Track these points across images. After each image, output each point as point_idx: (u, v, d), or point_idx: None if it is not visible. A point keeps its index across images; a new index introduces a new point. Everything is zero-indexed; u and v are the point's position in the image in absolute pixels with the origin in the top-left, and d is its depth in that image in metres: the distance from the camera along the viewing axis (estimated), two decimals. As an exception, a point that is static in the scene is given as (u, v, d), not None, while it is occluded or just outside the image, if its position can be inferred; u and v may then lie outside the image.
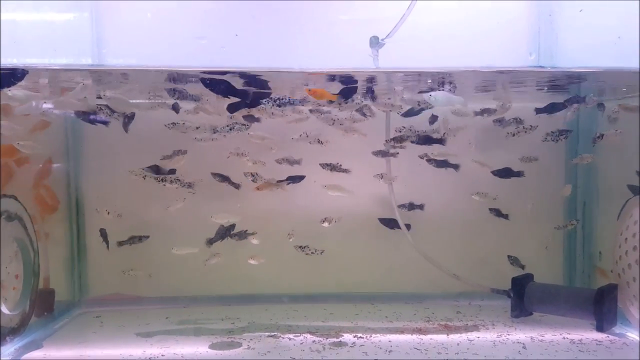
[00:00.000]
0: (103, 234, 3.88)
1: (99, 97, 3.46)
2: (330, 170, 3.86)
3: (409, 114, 3.82)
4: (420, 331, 3.55)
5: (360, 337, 3.45)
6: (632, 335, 3.49)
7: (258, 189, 3.80)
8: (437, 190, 4.18)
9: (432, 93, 3.36)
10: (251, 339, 3.41)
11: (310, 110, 3.65)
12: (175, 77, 3.27)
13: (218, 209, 3.93)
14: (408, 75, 3.37)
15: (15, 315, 3.29)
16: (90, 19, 3.65)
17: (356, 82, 3.43)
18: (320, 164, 3.85)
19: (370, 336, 3.46)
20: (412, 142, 3.85)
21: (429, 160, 3.89)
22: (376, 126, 3.91)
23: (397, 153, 3.92)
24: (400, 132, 3.83)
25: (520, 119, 3.81)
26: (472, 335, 3.49)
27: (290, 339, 3.42)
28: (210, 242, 3.89)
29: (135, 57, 3.47)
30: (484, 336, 3.48)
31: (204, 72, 3.20)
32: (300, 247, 3.91)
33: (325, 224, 3.84)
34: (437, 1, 3.59)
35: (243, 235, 3.90)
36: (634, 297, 3.49)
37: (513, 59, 3.78)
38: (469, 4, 3.64)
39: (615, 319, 3.57)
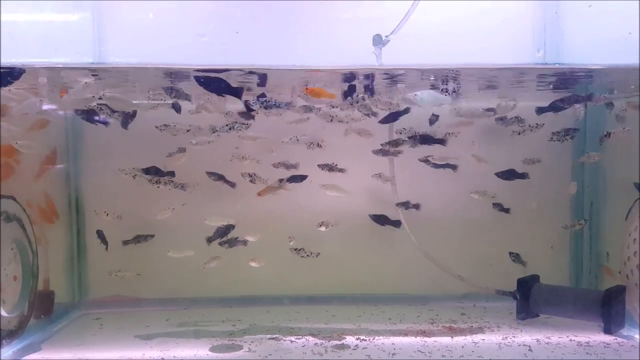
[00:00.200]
0: (100, 235, 3.84)
1: (99, 98, 3.43)
2: (329, 170, 3.82)
3: (388, 119, 3.75)
4: (424, 333, 3.50)
5: (363, 339, 3.40)
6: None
7: (260, 194, 3.77)
8: (441, 190, 4.13)
9: (418, 92, 3.33)
10: (252, 342, 3.36)
11: (310, 109, 3.60)
12: (173, 76, 3.23)
13: (217, 211, 3.90)
14: (410, 72, 3.32)
15: (13, 318, 3.25)
16: (91, 19, 3.64)
17: (355, 78, 3.38)
18: (318, 165, 3.81)
19: (373, 338, 3.41)
20: (411, 146, 3.82)
21: (428, 162, 3.86)
22: (378, 125, 3.85)
23: (401, 152, 3.87)
24: (401, 133, 3.79)
25: (521, 117, 3.76)
26: (477, 337, 3.43)
27: (291, 341, 3.37)
28: (210, 240, 3.84)
29: (136, 56, 3.45)
30: (489, 338, 3.42)
31: (205, 70, 3.16)
32: (295, 249, 3.87)
33: (323, 228, 3.80)
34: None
35: (233, 242, 3.85)
36: (642, 299, 3.43)
37: (519, 57, 3.74)
38: (475, 2, 3.60)
39: (623, 320, 3.51)
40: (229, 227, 3.85)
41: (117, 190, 3.96)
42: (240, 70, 3.11)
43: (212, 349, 3.25)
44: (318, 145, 3.73)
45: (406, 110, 3.70)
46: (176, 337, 3.47)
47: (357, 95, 3.51)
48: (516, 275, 3.83)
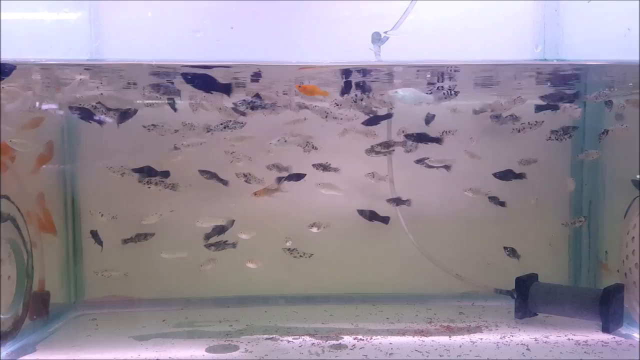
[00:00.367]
0: (95, 235, 3.82)
1: (99, 98, 3.41)
2: (323, 170, 3.80)
3: (370, 122, 3.74)
4: (421, 333, 3.48)
5: (361, 339, 3.38)
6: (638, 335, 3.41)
7: (256, 194, 3.75)
8: (439, 188, 4.11)
9: (399, 90, 3.31)
10: (249, 342, 3.34)
11: (305, 106, 3.58)
12: (161, 72, 3.20)
13: (214, 210, 3.88)
14: (407, 70, 3.30)
15: (7, 319, 3.22)
16: (88, 17, 3.61)
17: (351, 74, 3.36)
18: (313, 165, 3.80)
19: (371, 338, 3.39)
20: (406, 151, 3.81)
21: (420, 162, 3.86)
22: (380, 126, 3.85)
23: (392, 152, 3.84)
24: (403, 132, 3.78)
25: (516, 115, 3.74)
26: (475, 336, 3.41)
27: (288, 341, 3.35)
28: (208, 237, 3.81)
29: (131, 52, 3.43)
30: (487, 338, 3.40)
31: (201, 67, 3.13)
32: (288, 249, 3.84)
33: (314, 229, 3.77)
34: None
35: (221, 245, 3.83)
36: (641, 297, 3.41)
37: (518, 53, 3.72)
38: (473, 1, 3.59)
39: (621, 319, 3.49)
40: (228, 224, 3.82)
41: (113, 190, 3.92)
42: (229, 66, 3.09)
43: (209, 350, 3.23)
44: (313, 147, 3.71)
45: (388, 115, 3.68)
46: (172, 337, 3.44)
47: (358, 94, 3.49)
48: (515, 274, 3.81)
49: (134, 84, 3.55)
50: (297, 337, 3.41)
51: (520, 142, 3.94)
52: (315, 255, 3.97)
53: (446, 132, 3.77)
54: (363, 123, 3.72)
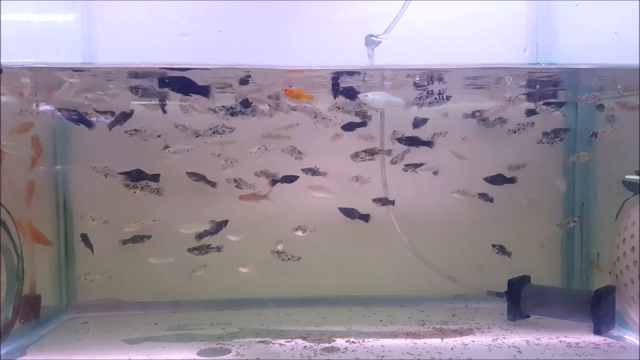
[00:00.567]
0: (85, 239, 3.80)
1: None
2: (312, 174, 3.80)
3: (346, 127, 3.74)
4: (414, 335, 3.48)
5: (353, 342, 3.37)
6: (631, 338, 3.42)
7: (242, 198, 3.75)
8: (432, 190, 4.11)
9: (369, 93, 3.30)
10: (241, 345, 3.33)
11: (294, 108, 3.59)
12: (139, 75, 3.19)
13: (210, 212, 3.86)
14: (398, 73, 3.30)
15: (-3, 322, 3.21)
16: (81, 20, 3.60)
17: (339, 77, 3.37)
18: (302, 169, 3.80)
19: (363, 341, 3.38)
20: (392, 162, 3.81)
21: (409, 166, 3.87)
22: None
23: (373, 159, 3.85)
24: (396, 135, 3.80)
25: (503, 118, 3.76)
26: (467, 339, 3.42)
27: (280, 344, 3.34)
28: (200, 236, 3.80)
29: (121, 56, 3.42)
30: (479, 340, 3.40)
31: (190, 69, 3.13)
32: (276, 252, 3.84)
33: (299, 233, 3.77)
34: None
35: (204, 249, 3.81)
36: (632, 299, 3.42)
37: (511, 57, 3.74)
38: (466, 3, 3.60)
39: (613, 321, 3.50)
40: (221, 224, 3.81)
41: (105, 193, 3.90)
42: (218, 68, 3.09)
43: (200, 353, 3.21)
44: (299, 153, 3.71)
45: (363, 123, 3.68)
46: (164, 341, 3.43)
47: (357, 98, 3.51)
48: (508, 276, 3.81)
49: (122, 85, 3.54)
50: (289, 340, 3.40)
51: (514, 144, 3.95)
52: (309, 257, 3.96)
53: (437, 134, 3.78)
54: (342, 127, 3.73)
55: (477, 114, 3.86)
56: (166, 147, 3.66)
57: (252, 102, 3.54)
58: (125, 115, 3.66)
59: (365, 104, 3.47)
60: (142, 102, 3.79)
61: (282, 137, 3.72)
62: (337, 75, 3.30)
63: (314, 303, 4.09)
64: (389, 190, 4.01)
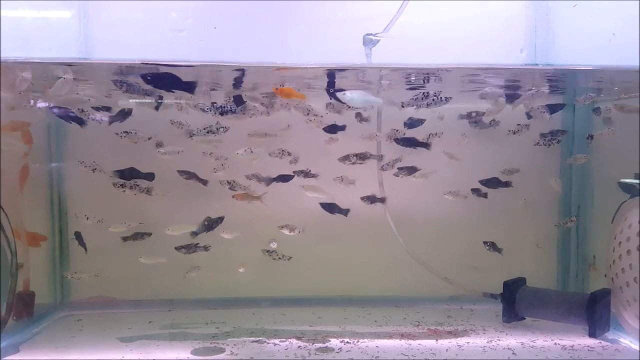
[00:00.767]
0: (79, 237, 3.78)
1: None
2: (304, 176, 3.79)
3: (327, 130, 3.73)
4: (409, 336, 3.47)
5: (347, 342, 3.36)
6: (625, 341, 3.42)
7: (234, 197, 3.74)
8: (428, 191, 4.10)
9: (347, 92, 3.28)
10: (235, 345, 3.32)
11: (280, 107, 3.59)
12: (123, 71, 3.16)
13: (200, 211, 3.85)
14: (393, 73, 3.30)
15: (-10, 319, 3.19)
16: (78, 16, 3.58)
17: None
18: (294, 171, 3.79)
19: (358, 341, 3.37)
20: (382, 168, 3.82)
21: (401, 169, 3.86)
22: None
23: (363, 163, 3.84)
24: (395, 135, 3.80)
25: (496, 120, 3.75)
26: (462, 340, 3.41)
27: (275, 344, 3.33)
28: (195, 234, 3.79)
29: (117, 52, 3.40)
30: (474, 341, 3.40)
31: (188, 66, 3.11)
32: (267, 251, 3.82)
33: (286, 231, 3.75)
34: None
35: (192, 248, 3.80)
36: (627, 302, 3.41)
37: (509, 58, 3.72)
38: (465, 4, 3.59)
39: (608, 324, 3.49)
40: (218, 220, 3.79)
41: (100, 191, 3.87)
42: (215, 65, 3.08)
43: (194, 352, 3.20)
44: (288, 154, 3.71)
45: (342, 127, 3.68)
46: (158, 339, 3.41)
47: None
48: (504, 278, 3.80)
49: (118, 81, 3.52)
50: (284, 339, 3.39)
51: (511, 146, 3.95)
52: (304, 257, 3.96)
53: (432, 134, 3.77)
54: (324, 129, 3.73)
55: (474, 114, 3.84)
56: (159, 144, 3.64)
57: (245, 101, 3.52)
58: (125, 114, 3.63)
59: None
60: (138, 100, 3.77)
61: (270, 135, 3.70)
62: (332, 74, 3.28)
63: (309, 303, 4.08)
64: (385, 191, 4.00)
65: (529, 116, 3.81)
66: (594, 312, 3.39)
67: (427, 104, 3.58)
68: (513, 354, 3.20)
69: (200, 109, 3.49)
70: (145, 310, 3.98)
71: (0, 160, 3.25)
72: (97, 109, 3.64)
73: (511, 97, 3.71)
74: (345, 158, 3.77)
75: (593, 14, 3.41)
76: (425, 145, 3.78)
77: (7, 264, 3.36)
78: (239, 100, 3.54)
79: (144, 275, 4.00)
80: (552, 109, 3.83)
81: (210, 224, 3.79)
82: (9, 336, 3.35)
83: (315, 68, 3.13)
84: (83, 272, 3.85)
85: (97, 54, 3.48)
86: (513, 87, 3.69)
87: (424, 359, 3.11)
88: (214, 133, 3.57)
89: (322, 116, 3.66)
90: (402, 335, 3.48)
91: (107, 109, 3.68)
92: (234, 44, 3.45)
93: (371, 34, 3.31)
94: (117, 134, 3.56)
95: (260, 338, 3.42)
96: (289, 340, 3.39)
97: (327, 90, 3.52)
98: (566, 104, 3.97)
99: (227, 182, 3.72)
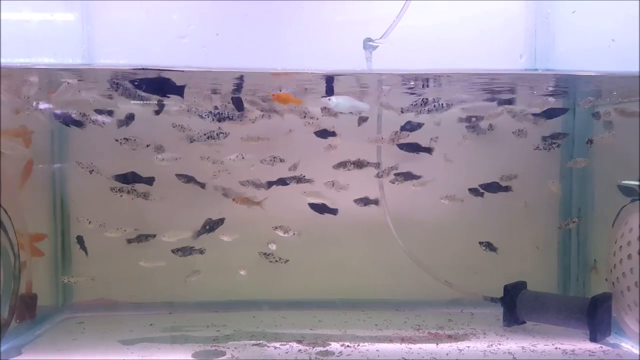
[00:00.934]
0: (80, 241, 3.80)
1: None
2: (297, 182, 3.80)
3: (318, 134, 3.74)
4: (409, 340, 3.47)
5: (348, 346, 3.36)
6: (627, 345, 3.41)
7: (235, 200, 3.77)
8: (428, 195, 4.10)
9: (333, 97, 3.30)
10: (235, 348, 3.32)
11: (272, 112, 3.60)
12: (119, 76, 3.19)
13: (201, 215, 3.86)
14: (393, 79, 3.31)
15: (-7, 321, 3.21)
16: (80, 20, 3.60)
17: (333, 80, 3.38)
18: (290, 177, 3.80)
19: (358, 345, 3.38)
20: (378, 175, 3.84)
21: (398, 175, 3.88)
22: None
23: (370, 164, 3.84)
24: (398, 137, 3.81)
25: (491, 125, 3.76)
26: (462, 344, 3.41)
27: (275, 347, 3.33)
28: (198, 234, 3.80)
29: (120, 57, 3.43)
30: (475, 345, 3.39)
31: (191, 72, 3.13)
32: (264, 254, 3.83)
33: (280, 233, 3.75)
34: (433, 1, 3.55)
35: (188, 250, 3.81)
36: (628, 307, 3.41)
37: (509, 63, 3.74)
38: (465, 7, 3.60)
39: (609, 329, 3.49)
40: (219, 222, 3.81)
41: (102, 194, 3.89)
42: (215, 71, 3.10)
43: (195, 355, 3.21)
44: (280, 161, 3.73)
45: (333, 133, 3.69)
46: (159, 342, 3.42)
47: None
48: (504, 281, 3.80)
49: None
50: (284, 343, 3.40)
51: (512, 149, 3.96)
52: (305, 260, 3.96)
53: (433, 139, 3.78)
54: (315, 133, 3.75)
55: (473, 119, 3.85)
56: (158, 149, 3.66)
57: (244, 108, 3.54)
58: (130, 117, 3.65)
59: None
60: (140, 103, 3.79)
61: (262, 139, 3.71)
62: (330, 79, 3.30)
63: (310, 306, 4.09)
64: (385, 194, 4.00)
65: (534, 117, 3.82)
66: (595, 316, 3.39)
67: (428, 110, 3.60)
68: (514, 358, 3.20)
69: (198, 115, 3.51)
70: (146, 312, 4.00)
71: (0, 162, 3.27)
72: (100, 112, 3.67)
73: (508, 102, 3.72)
74: (341, 165, 3.78)
75: (593, 15, 3.42)
76: (429, 150, 3.79)
77: (9, 267, 3.38)
78: (239, 105, 3.56)
79: (145, 278, 4.02)
80: (554, 113, 3.84)
81: (212, 226, 3.80)
82: (11, 338, 3.37)
83: (315, 74, 3.15)
84: (80, 276, 3.87)
85: (100, 57, 3.51)
86: (512, 91, 3.70)
87: (424, 362, 3.11)
88: (214, 139, 3.58)
89: (318, 119, 3.66)
90: (403, 339, 3.48)
91: (110, 112, 3.70)
92: (234, 50, 3.47)
93: (371, 40, 3.33)
94: (117, 140, 3.58)
95: (261, 341, 3.43)
96: (290, 343, 3.39)
97: (327, 92, 3.53)
98: (568, 109, 3.98)
99: (222, 188, 3.73)
